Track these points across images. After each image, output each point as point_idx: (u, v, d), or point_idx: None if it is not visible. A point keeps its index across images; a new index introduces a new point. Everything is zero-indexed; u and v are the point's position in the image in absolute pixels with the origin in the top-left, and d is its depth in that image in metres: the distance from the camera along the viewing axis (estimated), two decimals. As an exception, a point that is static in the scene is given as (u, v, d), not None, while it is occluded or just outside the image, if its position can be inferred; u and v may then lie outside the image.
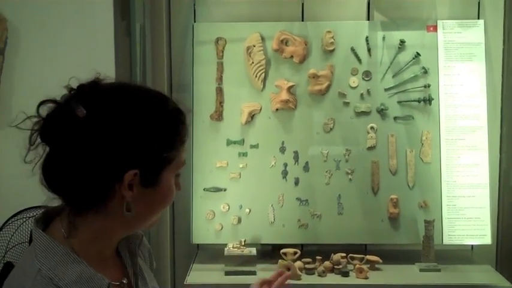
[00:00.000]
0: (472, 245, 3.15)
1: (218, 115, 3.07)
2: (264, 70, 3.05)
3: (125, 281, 1.37)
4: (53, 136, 1.24)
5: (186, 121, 1.34)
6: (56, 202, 1.36)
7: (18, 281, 1.24)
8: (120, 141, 1.22)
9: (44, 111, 1.25)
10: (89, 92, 1.25)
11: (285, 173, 3.06)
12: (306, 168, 3.06)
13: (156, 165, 1.27)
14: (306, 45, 3.05)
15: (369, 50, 3.07)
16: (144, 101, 1.29)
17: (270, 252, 3.06)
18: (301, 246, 3.09)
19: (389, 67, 3.06)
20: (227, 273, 2.82)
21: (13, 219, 2.54)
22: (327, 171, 3.06)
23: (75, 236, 1.27)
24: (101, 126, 1.22)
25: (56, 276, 1.21)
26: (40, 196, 1.36)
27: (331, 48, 3.05)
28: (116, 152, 1.22)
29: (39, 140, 1.25)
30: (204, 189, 3.06)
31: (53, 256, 1.23)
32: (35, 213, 2.46)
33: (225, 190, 3.07)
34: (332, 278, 2.82)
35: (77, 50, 2.66)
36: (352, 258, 2.90)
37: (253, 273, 2.81)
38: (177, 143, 1.30)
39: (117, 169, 1.23)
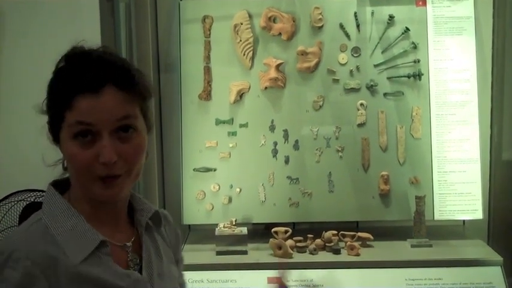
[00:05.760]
0: (464, 220, 3.15)
1: (206, 94, 3.04)
2: (252, 48, 3.02)
3: (128, 244, 1.40)
4: None
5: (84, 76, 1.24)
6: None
7: (21, 227, 1.34)
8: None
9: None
10: None
11: (275, 152, 3.04)
12: (296, 146, 3.04)
13: (52, 120, 1.30)
14: (294, 22, 3.01)
15: (357, 25, 3.03)
16: (63, 56, 1.31)
17: (261, 232, 3.05)
18: (292, 225, 3.08)
19: (378, 43, 3.03)
20: (218, 253, 2.82)
21: (1, 204, 2.52)
22: (317, 149, 3.04)
23: (72, 193, 1.35)
24: None
25: (52, 224, 1.28)
26: (31, 179, 1.37)
27: (319, 24, 3.01)
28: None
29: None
30: (194, 170, 3.04)
31: (55, 208, 1.31)
32: (23, 197, 2.45)
33: (215, 170, 3.05)
34: (324, 256, 2.82)
35: (63, 31, 2.60)
36: (344, 236, 2.89)
37: (245, 252, 2.81)
38: (59, 98, 1.27)
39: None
